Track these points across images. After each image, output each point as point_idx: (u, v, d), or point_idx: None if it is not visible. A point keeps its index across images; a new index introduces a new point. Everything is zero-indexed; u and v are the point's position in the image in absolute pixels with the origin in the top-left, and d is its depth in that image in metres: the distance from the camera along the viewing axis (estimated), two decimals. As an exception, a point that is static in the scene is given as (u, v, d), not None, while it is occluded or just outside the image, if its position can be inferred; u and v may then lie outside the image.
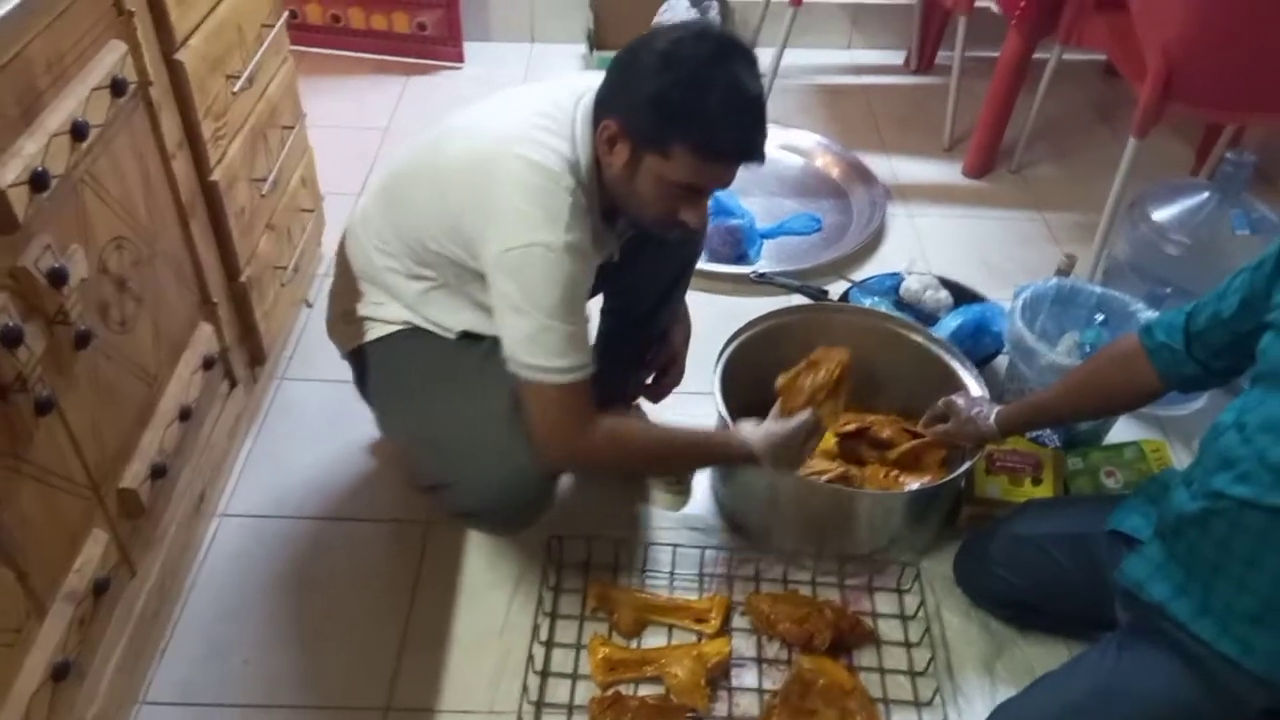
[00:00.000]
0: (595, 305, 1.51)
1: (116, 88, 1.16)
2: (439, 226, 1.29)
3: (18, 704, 1.02)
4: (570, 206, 1.18)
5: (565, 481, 1.59)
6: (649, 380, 1.64)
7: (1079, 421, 1.56)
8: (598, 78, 1.24)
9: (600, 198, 1.26)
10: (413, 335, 1.39)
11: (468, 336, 1.37)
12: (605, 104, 1.21)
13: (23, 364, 1.00)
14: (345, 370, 1.52)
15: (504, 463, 1.29)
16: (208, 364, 1.49)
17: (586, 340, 1.24)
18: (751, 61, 1.16)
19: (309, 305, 2.01)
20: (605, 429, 1.28)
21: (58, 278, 1.05)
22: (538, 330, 1.19)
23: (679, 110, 1.13)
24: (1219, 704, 1.14)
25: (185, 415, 1.40)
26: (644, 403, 1.72)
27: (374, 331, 1.42)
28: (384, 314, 1.41)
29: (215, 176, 1.49)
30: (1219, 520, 1.12)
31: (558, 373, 1.20)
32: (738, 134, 1.16)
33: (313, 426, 1.75)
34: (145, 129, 1.29)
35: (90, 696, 1.20)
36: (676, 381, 1.64)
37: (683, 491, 1.68)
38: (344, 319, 1.46)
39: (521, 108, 1.26)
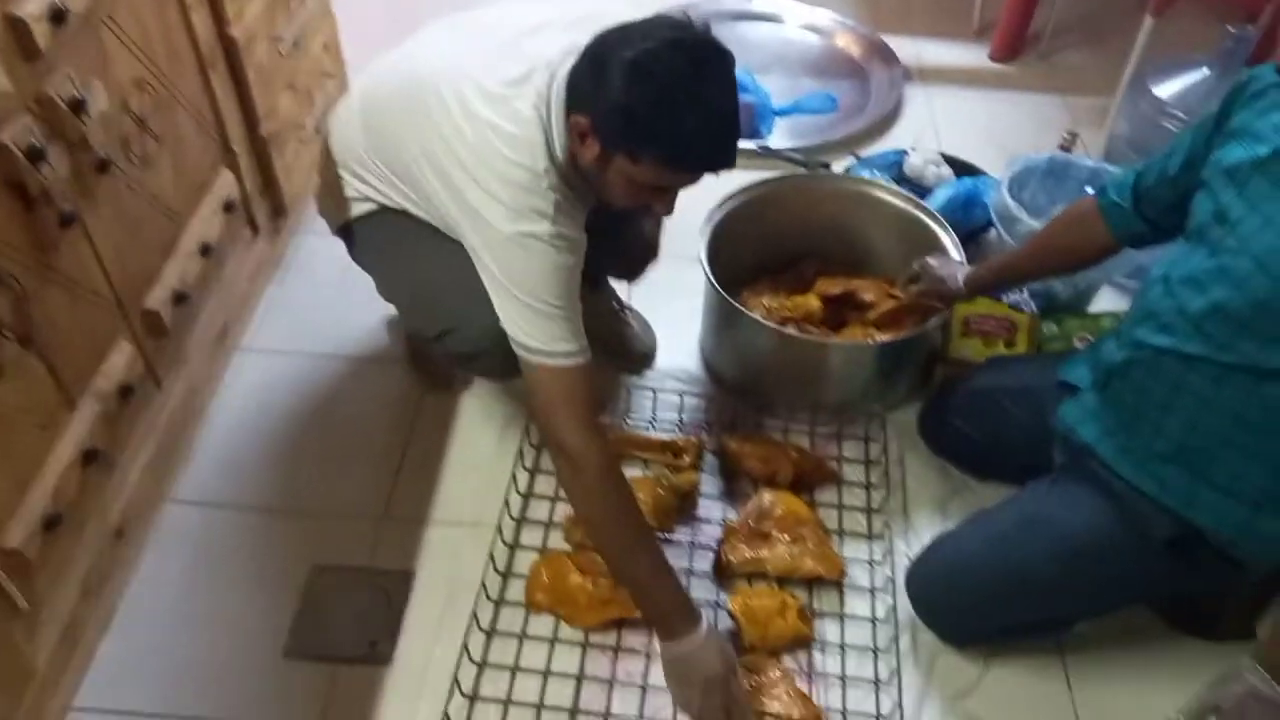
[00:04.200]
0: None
1: (129, -68, 1.27)
2: (425, 195, 1.31)
3: (51, 478, 1.19)
4: (555, 203, 1.19)
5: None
6: (626, 267, 1.68)
7: (1042, 279, 1.61)
8: (582, 25, 1.21)
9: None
10: (396, 211, 1.42)
11: None
12: (577, 97, 1.17)
13: (46, 179, 1.12)
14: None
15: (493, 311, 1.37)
16: (228, 207, 1.62)
17: (580, 327, 1.24)
18: (726, 71, 1.12)
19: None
20: (609, 453, 1.23)
21: (78, 106, 1.17)
22: (534, 316, 1.20)
23: (648, 126, 1.11)
24: (1131, 534, 1.22)
25: (206, 251, 1.54)
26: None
27: (359, 208, 1.45)
28: (368, 193, 1.43)
29: (234, 32, 1.58)
30: (1139, 368, 1.19)
31: (562, 356, 1.21)
32: (706, 152, 1.15)
33: (330, 276, 1.88)
34: (161, -23, 1.40)
35: (120, 487, 1.37)
36: (650, 264, 1.68)
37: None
38: (331, 198, 1.50)
39: (496, 91, 1.21)
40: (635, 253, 1.67)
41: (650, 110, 1.10)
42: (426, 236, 1.41)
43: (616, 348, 1.75)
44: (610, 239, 1.60)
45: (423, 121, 1.26)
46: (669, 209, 1.26)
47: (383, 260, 1.49)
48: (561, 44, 1.22)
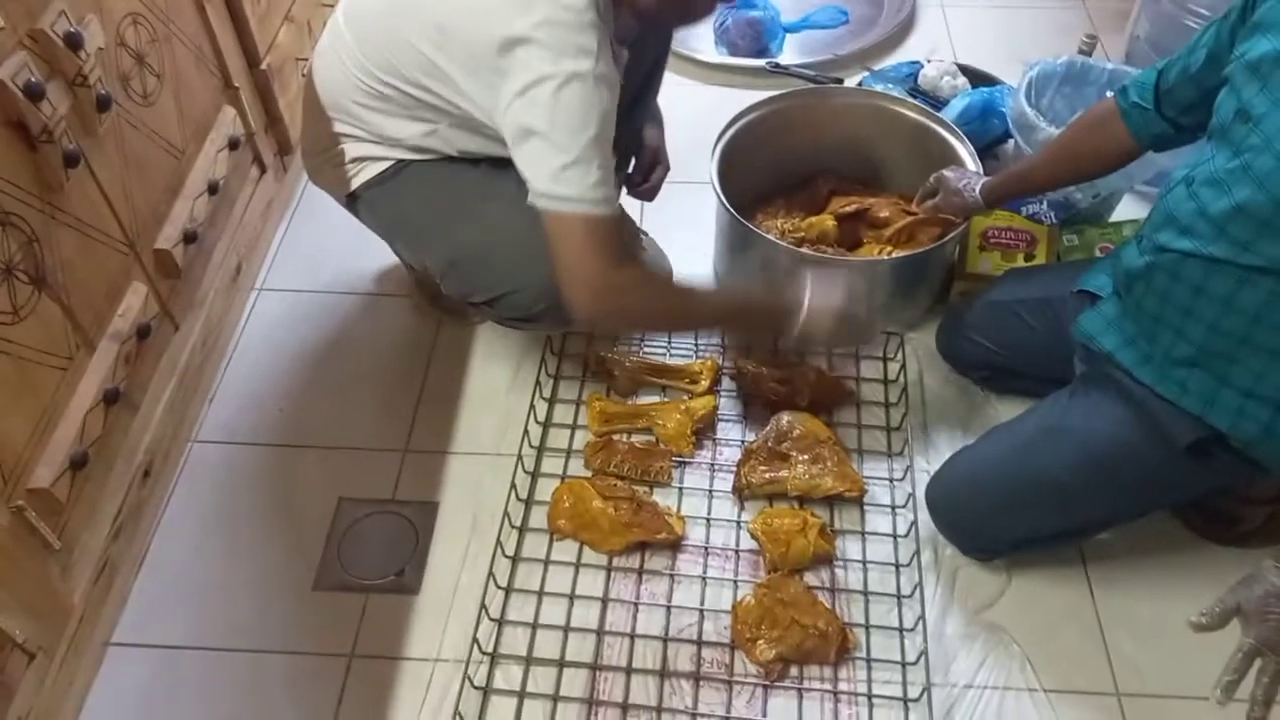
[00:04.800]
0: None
1: None
2: (443, 75, 1.23)
3: (74, 419, 1.20)
4: (597, 40, 1.15)
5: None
6: (640, 182, 1.63)
7: (1061, 187, 1.58)
8: None
9: (614, 20, 1.23)
10: (411, 166, 1.36)
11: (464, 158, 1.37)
12: None
13: (47, 118, 1.11)
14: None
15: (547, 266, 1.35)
16: (233, 145, 1.60)
17: (613, 177, 1.21)
18: None
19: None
20: (637, 267, 1.23)
21: (74, 42, 1.16)
22: (571, 161, 1.15)
23: None
24: (1153, 440, 1.21)
25: (214, 189, 1.53)
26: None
27: (368, 170, 1.38)
28: (372, 151, 1.37)
29: (226, -40, 1.55)
30: (1161, 273, 1.17)
31: (590, 203, 1.16)
32: None
33: (342, 213, 1.84)
34: (150, -94, 1.36)
35: (144, 426, 1.38)
36: (664, 175, 1.65)
37: None
38: (329, 162, 1.42)
39: None
40: (644, 162, 1.63)
41: None
42: (455, 191, 1.36)
43: None
44: (617, 152, 1.59)
45: (447, 12, 1.19)
46: None
47: (409, 225, 1.43)
48: None
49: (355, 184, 1.40)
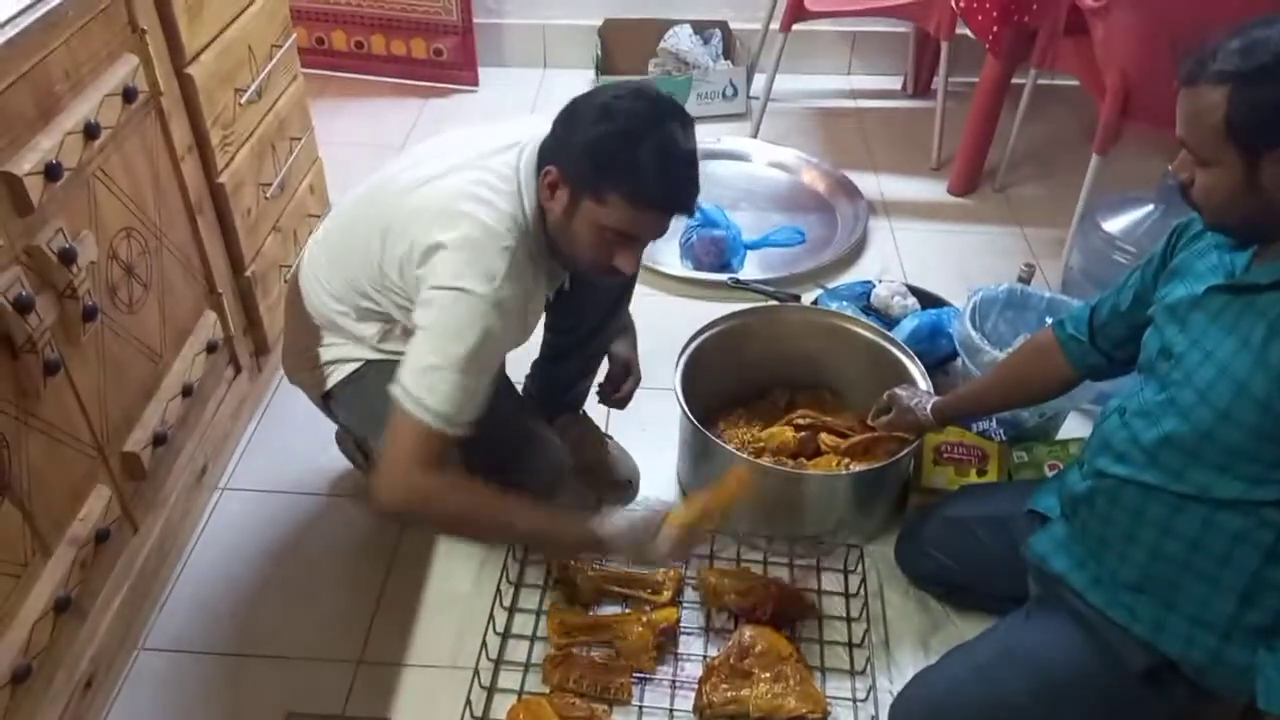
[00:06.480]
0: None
1: (128, 95, 1.33)
2: (384, 279, 1.32)
3: (22, 629, 1.17)
4: (508, 265, 1.21)
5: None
6: (611, 392, 1.69)
7: (1006, 409, 1.66)
8: (541, 124, 1.29)
9: (548, 241, 1.31)
10: (378, 365, 1.40)
11: None
12: (547, 152, 1.26)
13: (33, 329, 1.15)
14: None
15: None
16: (211, 348, 1.64)
17: (478, 402, 1.23)
18: (686, 122, 1.21)
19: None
20: (451, 474, 1.24)
21: (68, 257, 1.21)
22: (435, 366, 1.19)
23: (613, 159, 1.18)
24: (1107, 666, 1.23)
25: (188, 392, 1.55)
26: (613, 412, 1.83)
27: (341, 371, 1.45)
28: (344, 353, 1.44)
29: (222, 179, 1.64)
30: (1102, 498, 1.22)
31: (434, 416, 1.19)
32: (668, 185, 1.21)
33: (312, 412, 1.88)
34: (156, 133, 1.45)
35: (91, 635, 1.34)
36: (635, 386, 1.71)
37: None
38: (305, 365, 1.49)
39: (466, 161, 1.29)
40: (615, 373, 1.69)
41: (613, 144, 1.18)
42: None
43: (600, 475, 1.76)
44: (584, 357, 1.67)
45: (381, 205, 1.34)
46: (633, 264, 1.27)
47: (381, 421, 1.38)
48: (524, 132, 1.32)
49: (329, 384, 1.47)
